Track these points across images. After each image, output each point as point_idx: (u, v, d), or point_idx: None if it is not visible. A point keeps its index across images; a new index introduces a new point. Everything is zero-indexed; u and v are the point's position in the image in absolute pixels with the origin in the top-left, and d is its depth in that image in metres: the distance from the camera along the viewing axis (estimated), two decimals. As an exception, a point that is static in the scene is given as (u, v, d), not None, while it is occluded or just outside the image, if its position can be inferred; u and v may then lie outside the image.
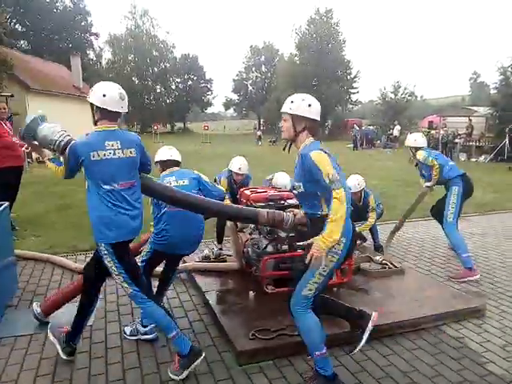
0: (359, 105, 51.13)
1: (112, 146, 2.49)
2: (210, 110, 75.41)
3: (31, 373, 2.70)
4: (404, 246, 5.61)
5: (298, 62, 44.30)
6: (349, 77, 43.78)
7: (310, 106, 2.46)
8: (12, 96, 15.19)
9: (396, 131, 27.43)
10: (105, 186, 2.47)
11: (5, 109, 5.36)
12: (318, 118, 2.51)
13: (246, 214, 2.88)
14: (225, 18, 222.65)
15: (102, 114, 2.54)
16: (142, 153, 2.67)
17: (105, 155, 2.46)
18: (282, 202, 3.67)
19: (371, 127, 29.00)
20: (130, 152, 2.56)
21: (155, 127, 36.65)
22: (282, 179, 4.74)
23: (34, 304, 3.31)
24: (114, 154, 2.49)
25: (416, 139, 4.87)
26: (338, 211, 2.16)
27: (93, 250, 5.21)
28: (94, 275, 2.79)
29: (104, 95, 2.49)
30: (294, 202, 3.65)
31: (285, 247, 3.66)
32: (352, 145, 26.72)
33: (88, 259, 4.84)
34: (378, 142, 28.30)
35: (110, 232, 2.49)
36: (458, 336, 3.18)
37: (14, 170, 5.30)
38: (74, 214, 6.88)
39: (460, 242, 4.49)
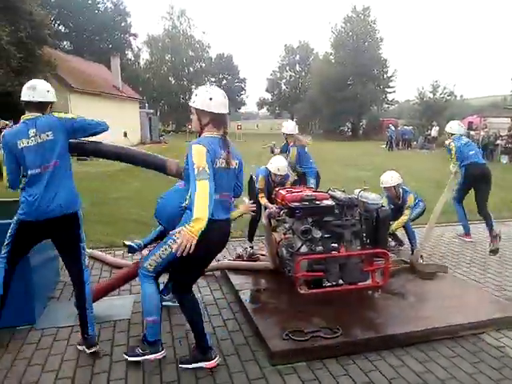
0: (395, 104, 50.04)
1: (33, 133, 2.68)
2: (243, 109, 75.87)
3: (72, 363, 2.82)
4: (442, 250, 5.45)
5: (333, 60, 43.84)
6: (385, 76, 42.90)
7: (211, 99, 2.46)
8: (55, 95, 15.85)
9: (434, 132, 26.57)
10: (29, 172, 2.68)
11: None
12: (223, 111, 2.53)
13: (156, 162, 3.11)
14: (260, 17, 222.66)
15: (24, 105, 2.79)
16: (69, 128, 2.80)
17: (28, 143, 2.67)
18: (318, 202, 3.64)
19: (409, 127, 28.15)
20: (47, 135, 2.70)
21: (189, 126, 37.25)
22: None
23: None
24: (34, 140, 2.68)
25: (451, 126, 5.67)
26: (196, 201, 2.22)
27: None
28: None
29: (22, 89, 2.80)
30: (330, 202, 3.63)
31: (319, 248, 3.64)
32: (385, 145, 26.13)
33: (125, 254, 5.03)
34: (415, 142, 27.55)
35: (21, 211, 2.72)
36: (498, 345, 3.06)
37: None
38: (108, 210, 7.08)
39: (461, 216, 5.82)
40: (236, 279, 4.01)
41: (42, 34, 15.93)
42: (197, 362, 2.72)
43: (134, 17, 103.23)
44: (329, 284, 3.75)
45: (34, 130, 2.68)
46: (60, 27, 42.03)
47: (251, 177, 4.79)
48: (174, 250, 2.27)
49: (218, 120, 2.53)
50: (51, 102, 2.86)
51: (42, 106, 2.78)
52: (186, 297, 2.72)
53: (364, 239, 3.78)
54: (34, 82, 2.83)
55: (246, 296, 3.65)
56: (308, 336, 2.93)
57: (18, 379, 2.63)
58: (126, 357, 2.80)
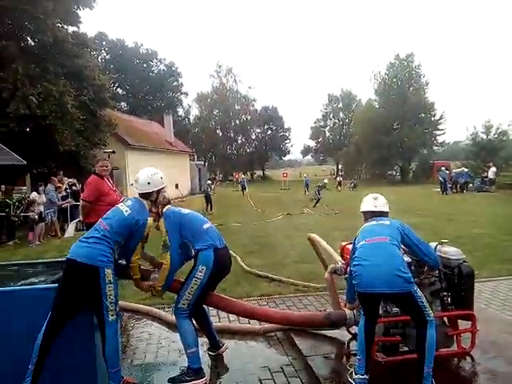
0: (446, 146, 48.53)
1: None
2: (288, 157, 76.84)
3: None
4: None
5: (377, 106, 43.84)
6: (433, 118, 42.04)
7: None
8: (113, 152, 16.80)
9: (491, 173, 25.22)
10: None
11: (107, 166, 5.43)
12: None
13: None
14: (304, 69, 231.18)
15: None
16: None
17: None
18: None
19: (466, 169, 26.88)
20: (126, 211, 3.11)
21: (236, 176, 38.43)
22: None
23: None
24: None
25: None
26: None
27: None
28: None
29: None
30: (405, 258, 3.33)
31: (395, 309, 3.30)
32: (439, 189, 25.02)
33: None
34: (471, 185, 26.19)
35: None
36: None
37: None
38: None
39: None
40: (302, 343, 3.70)
41: (103, 97, 17.13)
42: (190, 381, 3.11)
43: (184, 76, 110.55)
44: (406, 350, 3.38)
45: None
46: (118, 89, 45.55)
47: None
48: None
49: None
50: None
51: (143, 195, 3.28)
52: (191, 321, 3.28)
53: (445, 299, 3.41)
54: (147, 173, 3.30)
55: (315, 363, 3.33)
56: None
57: None
58: None
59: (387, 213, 3.28)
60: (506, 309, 4.69)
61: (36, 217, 10.56)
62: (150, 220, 3.13)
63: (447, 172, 25.67)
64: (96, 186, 5.19)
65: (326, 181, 25.34)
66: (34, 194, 11.29)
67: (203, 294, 3.25)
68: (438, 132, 42.74)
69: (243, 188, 29.03)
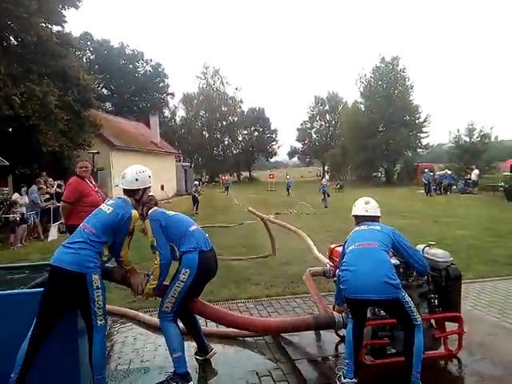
0: (429, 149, 49.26)
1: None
2: (274, 159, 77.11)
3: None
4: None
5: (362, 109, 44.31)
6: (417, 121, 42.62)
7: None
8: (98, 153, 16.59)
9: (474, 175, 25.68)
10: None
11: (87, 167, 5.37)
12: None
13: None
14: (291, 71, 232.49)
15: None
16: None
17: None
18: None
19: (449, 172, 27.25)
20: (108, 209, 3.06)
21: (223, 177, 38.63)
22: None
23: None
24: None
25: None
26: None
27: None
28: None
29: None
30: (393, 261, 3.33)
31: (383, 312, 3.30)
32: (423, 190, 25.35)
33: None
34: (454, 187, 26.60)
35: None
36: None
37: None
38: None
39: None
40: (290, 347, 3.68)
41: (88, 97, 16.85)
42: None
43: (171, 77, 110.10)
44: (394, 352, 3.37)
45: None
46: (103, 90, 45.00)
47: None
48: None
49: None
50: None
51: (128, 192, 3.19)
52: (176, 324, 3.18)
53: (433, 301, 3.41)
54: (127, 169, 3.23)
55: (304, 367, 3.30)
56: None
57: None
58: None
59: (379, 217, 3.28)
60: (492, 310, 4.73)
61: (18, 218, 10.31)
62: (135, 212, 3.06)
63: (431, 174, 26.03)
64: (76, 186, 5.12)
65: (327, 177, 26.72)
66: (15, 196, 11.04)
67: (187, 297, 3.17)
68: (422, 135, 43.38)
69: (226, 189, 34.06)
